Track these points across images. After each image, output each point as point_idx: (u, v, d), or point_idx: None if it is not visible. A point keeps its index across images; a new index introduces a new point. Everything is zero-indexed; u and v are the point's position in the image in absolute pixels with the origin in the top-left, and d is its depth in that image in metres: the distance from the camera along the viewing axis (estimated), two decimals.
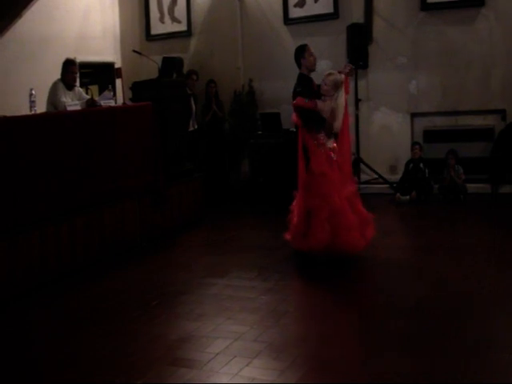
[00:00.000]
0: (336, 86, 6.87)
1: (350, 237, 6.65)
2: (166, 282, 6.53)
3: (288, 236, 7.15)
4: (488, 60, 10.27)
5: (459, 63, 10.48)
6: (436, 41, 10.62)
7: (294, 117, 7.12)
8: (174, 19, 12.63)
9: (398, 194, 10.06)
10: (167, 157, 8.80)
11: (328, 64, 10.79)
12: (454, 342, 4.68)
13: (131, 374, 4.43)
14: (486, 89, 10.29)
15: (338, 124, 6.87)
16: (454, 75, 10.54)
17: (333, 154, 6.91)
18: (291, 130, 10.08)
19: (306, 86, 7.11)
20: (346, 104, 7.01)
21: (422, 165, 10.10)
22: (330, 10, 11.37)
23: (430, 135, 10.67)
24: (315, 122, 6.86)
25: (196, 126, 10.91)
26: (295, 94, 7.00)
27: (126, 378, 4.36)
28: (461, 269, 6.49)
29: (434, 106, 10.67)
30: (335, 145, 6.96)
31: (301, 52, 7.33)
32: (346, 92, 7.01)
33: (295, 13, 11.68)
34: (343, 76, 6.93)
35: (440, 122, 10.70)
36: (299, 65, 7.33)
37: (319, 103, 6.83)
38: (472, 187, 10.01)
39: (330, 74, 6.95)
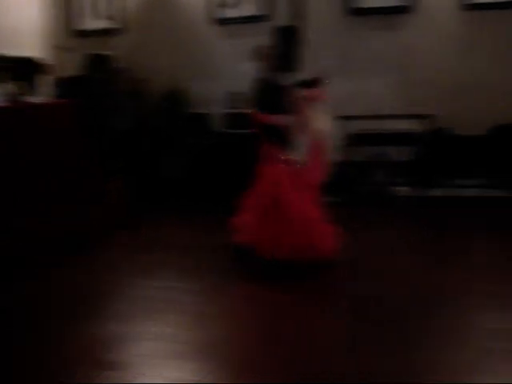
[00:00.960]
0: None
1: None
2: (93, 283, 6.42)
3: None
4: (415, 65, 10.45)
5: (386, 68, 10.62)
6: (365, 45, 10.73)
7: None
8: (102, 15, 12.44)
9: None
10: (97, 155, 8.66)
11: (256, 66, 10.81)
12: (390, 340, 4.71)
13: (56, 375, 4.33)
14: (412, 94, 10.45)
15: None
16: (381, 79, 10.67)
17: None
18: (219, 130, 10.07)
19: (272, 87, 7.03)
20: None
21: (350, 167, 10.18)
22: (260, 11, 11.39)
23: (359, 138, 10.76)
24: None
25: (125, 125, 10.76)
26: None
27: (50, 380, 4.26)
28: (396, 269, 6.56)
29: (362, 109, 10.77)
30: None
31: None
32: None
33: (227, 13, 11.65)
34: None
35: (368, 126, 10.81)
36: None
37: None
38: (399, 190, 10.15)
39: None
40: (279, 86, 7.07)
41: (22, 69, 11.90)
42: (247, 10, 11.52)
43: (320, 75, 7.11)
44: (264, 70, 7.08)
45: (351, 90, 10.81)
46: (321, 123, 6.95)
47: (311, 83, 7.01)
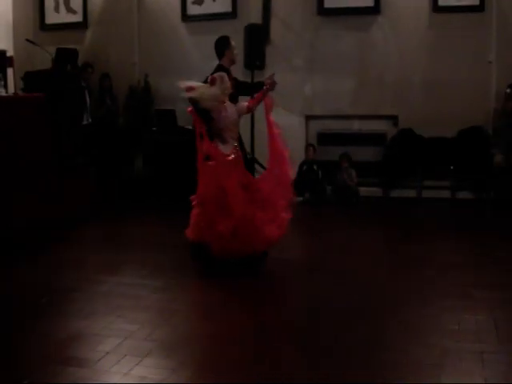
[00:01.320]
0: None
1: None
2: (55, 280, 6.36)
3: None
4: (381, 67, 10.54)
5: (354, 68, 10.70)
6: (332, 45, 10.79)
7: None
8: (70, 9, 12.36)
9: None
10: (60, 150, 8.60)
11: None
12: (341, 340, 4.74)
13: (18, 372, 4.29)
14: (379, 95, 10.54)
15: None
16: (349, 79, 10.75)
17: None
18: (186, 127, 10.04)
19: None
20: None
21: (315, 166, 10.26)
22: (228, 9, 11.39)
23: (324, 138, 10.84)
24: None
25: (90, 120, 10.70)
26: None
27: (13, 377, 4.22)
28: (357, 269, 6.60)
29: (329, 109, 10.83)
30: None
31: (226, 43, 7.27)
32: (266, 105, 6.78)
33: (193, 10, 11.64)
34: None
35: (334, 126, 10.88)
36: (221, 55, 7.25)
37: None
38: (364, 190, 10.24)
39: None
40: None
41: None
42: (215, 7, 11.51)
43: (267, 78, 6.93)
44: None
45: (318, 89, 10.88)
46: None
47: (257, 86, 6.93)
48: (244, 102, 6.78)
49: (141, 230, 8.56)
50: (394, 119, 10.43)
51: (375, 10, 10.67)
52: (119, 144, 11.29)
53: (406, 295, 5.80)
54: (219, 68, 7.13)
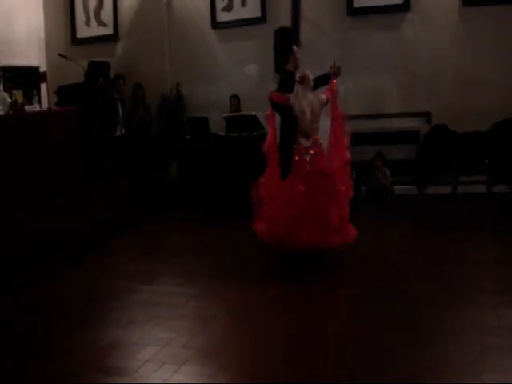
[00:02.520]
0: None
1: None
2: (94, 289, 6.44)
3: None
4: (413, 64, 10.47)
5: (385, 67, 10.64)
6: (363, 45, 10.76)
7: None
8: (100, 22, 12.49)
9: None
10: (95, 162, 8.70)
11: (256, 68, 10.91)
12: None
13: (59, 380, 4.35)
14: (411, 92, 10.48)
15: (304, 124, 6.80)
16: (381, 78, 10.70)
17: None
18: (219, 134, 10.10)
19: (289, 83, 6.98)
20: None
21: (349, 167, 10.21)
22: (257, 14, 11.41)
23: (358, 138, 10.74)
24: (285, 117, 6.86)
25: (123, 131, 10.80)
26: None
27: None
28: (396, 268, 6.59)
29: (361, 108, 10.78)
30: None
31: (290, 49, 7.33)
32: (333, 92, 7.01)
33: (223, 17, 11.68)
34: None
35: (367, 125, 10.82)
36: (286, 61, 7.27)
37: (292, 99, 6.74)
38: (398, 189, 10.18)
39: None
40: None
41: (24, 78, 11.98)
42: (244, 12, 11.54)
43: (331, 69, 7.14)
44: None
45: (350, 89, 10.81)
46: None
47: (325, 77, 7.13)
48: (322, 95, 6.97)
49: (176, 238, 8.60)
50: (427, 116, 10.35)
51: (404, 7, 10.61)
52: (153, 152, 11.35)
53: (443, 292, 5.77)
54: (286, 73, 7.21)
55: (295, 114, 6.72)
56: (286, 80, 7.00)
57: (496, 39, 10.17)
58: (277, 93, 6.90)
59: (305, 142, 6.82)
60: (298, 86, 6.75)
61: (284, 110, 6.83)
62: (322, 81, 7.20)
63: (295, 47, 7.37)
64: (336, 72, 7.09)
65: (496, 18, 10.18)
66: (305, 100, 6.73)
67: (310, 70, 10.83)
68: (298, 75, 6.90)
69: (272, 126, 6.97)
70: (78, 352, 4.84)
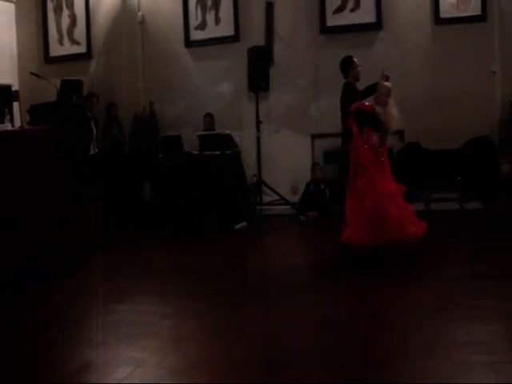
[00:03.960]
0: (389, 93, 7.39)
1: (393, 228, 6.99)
2: (67, 309, 6.37)
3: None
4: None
5: (359, 85, 10.67)
6: (336, 64, 10.71)
7: (350, 121, 7.44)
8: (74, 41, 12.47)
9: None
10: (68, 181, 8.63)
11: (229, 86, 10.95)
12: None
13: None
14: None
15: (393, 129, 7.54)
16: None
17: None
18: (193, 152, 10.09)
19: (353, 94, 7.72)
20: None
21: (322, 185, 10.25)
22: (230, 32, 11.46)
23: (331, 156, 10.82)
24: (374, 123, 7.27)
25: (96, 150, 10.72)
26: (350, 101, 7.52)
27: None
28: (366, 283, 6.59)
29: (334, 127, 10.81)
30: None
31: (350, 63, 7.99)
32: None
33: (196, 35, 11.72)
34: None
35: (340, 143, 10.85)
36: (346, 74, 7.96)
37: (377, 108, 7.30)
38: None
39: (382, 84, 7.44)
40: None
41: None
42: (218, 31, 11.59)
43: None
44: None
45: (323, 108, 10.89)
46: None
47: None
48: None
49: (149, 257, 8.57)
50: (399, 133, 10.41)
51: (377, 25, 10.73)
52: (126, 172, 11.31)
53: (415, 308, 5.79)
54: (347, 86, 7.88)
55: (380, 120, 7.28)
56: (348, 92, 7.72)
57: (468, 58, 10.30)
58: (361, 102, 7.50)
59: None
60: (392, 99, 7.35)
61: (372, 118, 7.28)
62: (370, 91, 7.71)
63: (355, 60, 8.06)
64: (385, 79, 7.54)
65: (467, 37, 10.33)
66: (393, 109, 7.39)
67: (284, 89, 10.98)
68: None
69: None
70: (49, 374, 4.78)
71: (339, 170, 8.10)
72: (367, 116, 7.31)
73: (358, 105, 7.40)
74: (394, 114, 7.36)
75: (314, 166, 10.63)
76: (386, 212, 7.03)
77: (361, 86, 10.26)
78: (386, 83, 7.45)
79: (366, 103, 7.47)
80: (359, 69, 7.96)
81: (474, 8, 10.39)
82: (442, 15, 10.52)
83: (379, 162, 7.31)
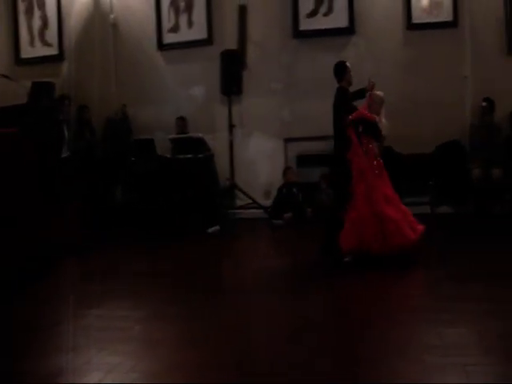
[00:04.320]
0: (382, 103, 7.74)
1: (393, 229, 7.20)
2: (37, 314, 6.31)
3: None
4: (357, 86, 10.54)
5: (331, 89, 10.69)
6: (308, 67, 10.85)
7: (349, 131, 7.61)
8: (45, 42, 12.38)
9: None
10: (39, 184, 8.55)
11: (201, 90, 10.93)
12: None
13: None
14: None
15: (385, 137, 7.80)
16: (327, 101, 10.72)
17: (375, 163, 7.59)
18: (165, 156, 10.06)
19: (347, 98, 7.85)
20: None
21: (295, 189, 10.27)
22: (203, 35, 11.44)
23: (303, 160, 10.85)
24: (376, 133, 7.59)
25: (68, 153, 10.66)
26: (347, 108, 7.69)
27: None
28: (338, 290, 6.60)
29: (307, 131, 10.86)
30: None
31: (344, 67, 8.01)
32: None
33: (169, 38, 11.69)
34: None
35: (312, 147, 10.90)
36: (341, 79, 7.96)
37: (376, 118, 7.57)
38: None
39: (377, 94, 7.78)
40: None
41: None
42: (191, 34, 11.56)
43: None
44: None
45: (296, 112, 10.92)
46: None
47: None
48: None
49: (123, 261, 8.52)
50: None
51: (350, 30, 10.78)
52: (99, 175, 11.23)
53: (387, 311, 5.81)
54: (341, 90, 7.90)
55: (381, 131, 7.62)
56: (342, 96, 7.78)
57: (439, 63, 10.38)
58: (364, 111, 7.64)
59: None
60: (383, 108, 7.71)
61: (374, 127, 7.56)
62: (357, 96, 7.98)
63: (348, 65, 8.09)
64: (372, 87, 7.82)
65: (439, 42, 10.42)
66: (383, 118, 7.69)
67: (256, 93, 10.98)
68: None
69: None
70: (20, 379, 4.72)
71: (332, 175, 8.12)
72: (370, 125, 7.54)
73: (361, 114, 7.58)
74: (384, 123, 7.64)
75: (287, 169, 10.65)
76: (385, 214, 7.23)
77: (331, 93, 10.40)
78: (379, 93, 7.71)
79: (367, 113, 7.64)
80: (351, 73, 8.05)
81: (445, 14, 10.49)
82: (414, 20, 10.60)
83: (377, 167, 7.56)
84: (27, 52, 12.45)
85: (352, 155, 7.50)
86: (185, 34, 11.61)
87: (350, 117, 7.56)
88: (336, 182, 8.02)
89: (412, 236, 7.25)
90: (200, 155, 10.15)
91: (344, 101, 7.75)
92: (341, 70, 8.06)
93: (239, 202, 11.03)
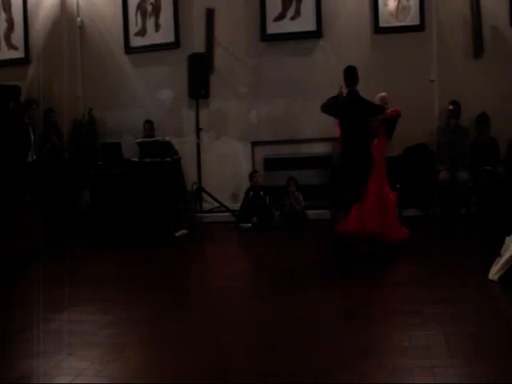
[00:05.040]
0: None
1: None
2: (3, 320, 6.25)
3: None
4: (325, 89, 10.57)
5: (298, 92, 10.77)
6: (276, 71, 10.88)
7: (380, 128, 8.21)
8: (11, 45, 12.27)
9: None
10: (5, 189, 8.47)
11: (169, 93, 10.91)
12: None
13: None
14: (323, 117, 10.55)
15: None
16: (294, 104, 10.83)
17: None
18: (132, 159, 10.02)
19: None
20: None
21: (262, 192, 10.27)
22: (170, 39, 11.42)
23: (271, 163, 10.87)
24: (392, 131, 8.30)
25: (35, 157, 10.56)
26: (376, 109, 8.17)
27: None
28: (307, 293, 6.61)
29: (274, 134, 10.88)
30: None
31: (356, 72, 8.30)
32: None
33: (136, 42, 11.64)
34: None
35: (280, 150, 10.93)
36: (354, 83, 8.24)
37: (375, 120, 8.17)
38: (313, 213, 10.27)
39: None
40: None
41: None
42: (158, 37, 11.53)
43: None
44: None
45: (264, 115, 10.94)
46: None
47: None
48: None
49: (89, 265, 8.48)
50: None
51: (317, 33, 10.81)
52: (65, 180, 11.14)
53: (356, 314, 5.83)
54: (355, 93, 8.19)
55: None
56: (363, 98, 8.20)
57: (406, 66, 10.46)
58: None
59: None
60: None
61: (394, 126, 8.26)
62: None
63: None
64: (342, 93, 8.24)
65: (406, 46, 10.49)
66: None
67: (224, 96, 10.99)
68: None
69: None
70: None
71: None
72: (394, 124, 8.23)
73: (396, 112, 8.21)
74: None
75: (254, 172, 10.64)
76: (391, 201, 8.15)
77: (298, 97, 10.48)
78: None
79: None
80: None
81: (412, 18, 10.57)
82: (382, 24, 10.66)
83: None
84: None
85: (374, 148, 8.14)
86: (152, 38, 11.57)
87: (389, 112, 8.12)
88: (359, 166, 8.21)
89: (407, 231, 8.08)
90: (167, 159, 10.12)
91: (369, 101, 8.15)
92: (354, 73, 8.28)
93: (207, 206, 11.00)
